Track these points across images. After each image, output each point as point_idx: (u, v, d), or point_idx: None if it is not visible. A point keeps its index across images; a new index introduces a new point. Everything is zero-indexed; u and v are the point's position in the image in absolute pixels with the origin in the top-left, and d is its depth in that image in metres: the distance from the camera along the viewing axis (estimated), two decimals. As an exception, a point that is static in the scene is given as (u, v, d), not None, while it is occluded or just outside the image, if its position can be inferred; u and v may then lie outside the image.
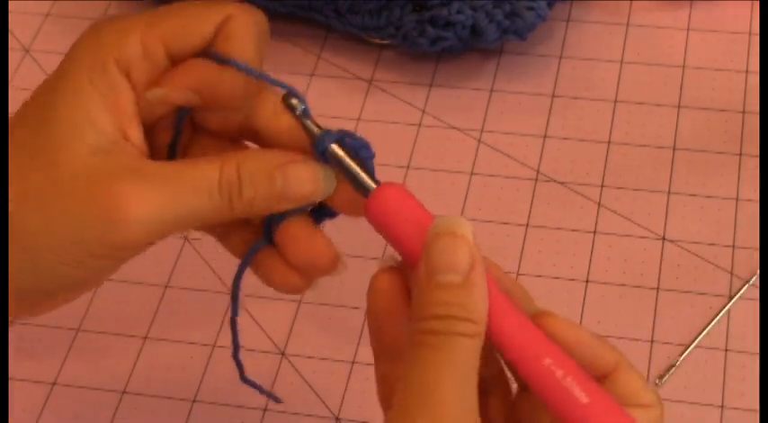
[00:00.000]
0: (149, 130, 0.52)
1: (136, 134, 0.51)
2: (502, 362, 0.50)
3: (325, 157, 0.50)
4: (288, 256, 0.52)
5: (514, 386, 0.51)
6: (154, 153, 0.52)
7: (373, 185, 0.50)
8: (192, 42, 0.51)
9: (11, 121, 0.51)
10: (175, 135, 0.53)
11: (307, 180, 0.50)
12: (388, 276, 0.49)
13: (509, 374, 0.50)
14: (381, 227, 0.49)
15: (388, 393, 0.49)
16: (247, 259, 0.53)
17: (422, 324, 0.46)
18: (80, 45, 0.51)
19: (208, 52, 0.51)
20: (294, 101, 0.51)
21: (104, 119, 0.50)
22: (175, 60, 0.51)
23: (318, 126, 0.51)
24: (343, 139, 0.50)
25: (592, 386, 0.46)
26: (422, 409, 0.44)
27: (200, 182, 0.49)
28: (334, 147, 0.50)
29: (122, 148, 0.50)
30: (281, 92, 0.52)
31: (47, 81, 0.52)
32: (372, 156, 0.51)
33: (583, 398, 0.46)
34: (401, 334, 0.48)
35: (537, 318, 0.48)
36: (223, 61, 0.50)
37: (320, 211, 0.53)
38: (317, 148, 0.50)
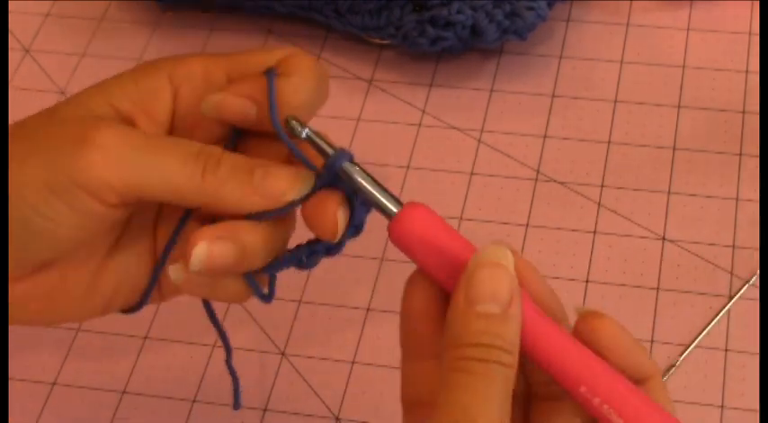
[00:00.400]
0: None
1: (149, 131, 0.51)
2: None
3: (337, 176, 0.49)
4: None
5: None
6: None
7: (395, 208, 0.49)
8: (253, 70, 0.51)
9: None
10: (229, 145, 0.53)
11: (284, 178, 0.49)
12: (423, 280, 0.49)
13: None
14: (409, 250, 0.49)
15: (411, 393, 0.49)
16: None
17: (460, 351, 0.46)
18: (145, 62, 0.52)
19: (267, 70, 0.51)
20: (295, 123, 0.50)
21: (124, 105, 0.50)
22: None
23: (330, 145, 0.50)
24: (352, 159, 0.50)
25: (629, 408, 0.47)
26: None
27: (180, 146, 0.49)
28: (349, 165, 0.49)
29: (121, 123, 0.50)
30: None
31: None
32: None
33: None
34: (433, 334, 0.49)
35: (582, 318, 0.48)
36: (271, 78, 0.50)
37: (315, 247, 0.52)
38: (329, 168, 0.49)
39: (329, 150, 0.49)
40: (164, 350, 0.70)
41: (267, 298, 0.53)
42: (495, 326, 0.46)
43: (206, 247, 0.49)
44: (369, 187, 0.49)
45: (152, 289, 0.54)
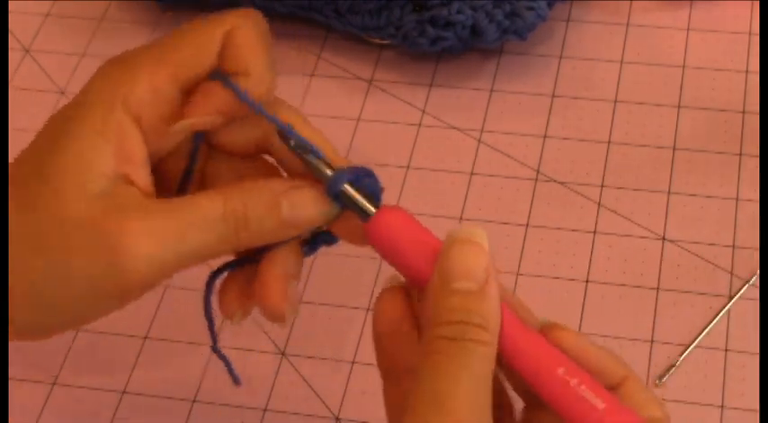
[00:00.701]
0: (162, 160, 0.52)
1: (142, 177, 0.50)
2: (504, 381, 0.50)
3: (335, 194, 0.50)
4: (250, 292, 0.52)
5: (518, 406, 0.51)
6: (167, 180, 0.52)
7: (372, 210, 0.50)
8: (201, 68, 0.51)
9: (15, 160, 0.50)
10: (191, 162, 0.52)
11: (311, 204, 0.50)
12: (392, 297, 0.49)
13: (512, 394, 0.50)
14: (384, 250, 0.49)
15: (396, 416, 0.49)
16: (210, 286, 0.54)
17: (436, 330, 0.46)
18: (89, 90, 0.51)
19: (217, 74, 0.51)
20: (292, 142, 0.50)
21: (108, 164, 0.49)
22: (189, 89, 0.51)
23: (326, 163, 0.51)
24: (357, 177, 0.51)
25: (606, 393, 0.46)
26: (436, 416, 0.44)
27: (205, 213, 0.49)
28: (347, 187, 0.50)
29: (126, 190, 0.49)
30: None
31: (53, 121, 0.51)
32: (379, 187, 0.51)
33: (599, 403, 0.46)
34: (407, 356, 0.48)
35: (545, 329, 0.48)
36: (227, 83, 0.50)
37: (317, 238, 0.52)
38: (329, 187, 0.50)
39: (326, 172, 0.50)
40: (164, 350, 0.70)
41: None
42: (470, 302, 0.46)
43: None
44: (353, 198, 0.50)
45: None
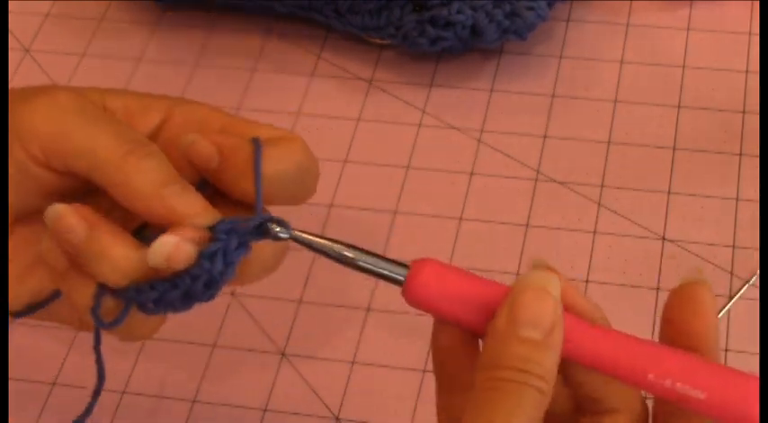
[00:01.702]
0: None
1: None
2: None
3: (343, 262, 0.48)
4: None
5: None
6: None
7: (403, 272, 0.47)
8: (247, 135, 0.51)
9: None
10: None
11: (193, 205, 0.48)
12: (453, 339, 0.49)
13: None
14: (430, 310, 0.48)
15: (445, 421, 0.49)
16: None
17: (495, 372, 0.45)
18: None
19: (253, 138, 0.50)
20: (276, 229, 0.48)
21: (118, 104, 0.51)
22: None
23: (329, 239, 0.49)
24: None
25: (704, 379, 0.47)
26: None
27: (122, 126, 0.50)
28: (347, 251, 0.48)
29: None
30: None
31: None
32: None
33: (699, 394, 0.46)
34: (465, 372, 0.48)
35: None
36: (255, 147, 0.49)
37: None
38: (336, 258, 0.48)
39: (324, 243, 0.48)
40: (164, 350, 0.70)
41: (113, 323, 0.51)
42: (534, 352, 0.45)
43: (174, 242, 0.48)
44: (370, 261, 0.48)
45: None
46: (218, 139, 0.50)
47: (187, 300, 0.48)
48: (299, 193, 0.52)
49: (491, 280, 0.48)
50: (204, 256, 0.47)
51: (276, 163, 0.50)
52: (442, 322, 0.48)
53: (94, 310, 0.50)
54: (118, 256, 0.48)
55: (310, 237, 0.48)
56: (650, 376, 0.47)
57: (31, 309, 0.53)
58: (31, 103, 0.49)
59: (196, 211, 0.48)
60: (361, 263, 0.48)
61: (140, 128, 0.52)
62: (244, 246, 0.48)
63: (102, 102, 0.52)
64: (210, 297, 0.48)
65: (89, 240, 0.48)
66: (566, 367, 0.48)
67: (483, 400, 0.45)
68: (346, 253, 0.48)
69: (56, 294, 0.53)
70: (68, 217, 0.48)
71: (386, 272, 0.47)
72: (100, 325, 0.50)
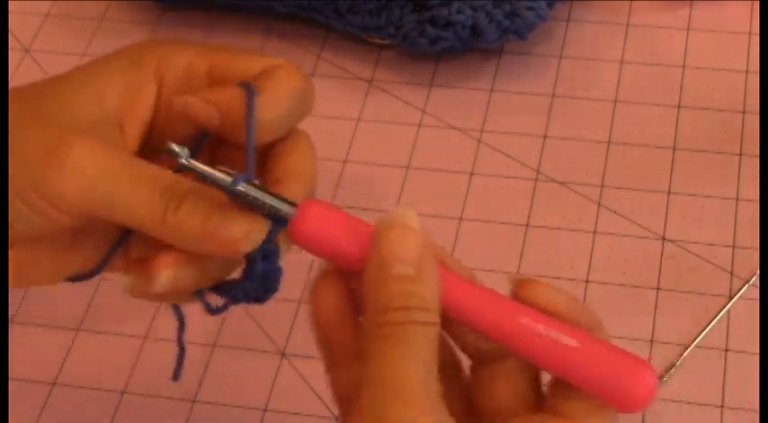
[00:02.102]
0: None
1: (134, 131, 0.51)
2: (453, 346, 0.50)
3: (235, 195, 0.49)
4: None
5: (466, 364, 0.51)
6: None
7: (289, 209, 0.48)
8: (235, 75, 0.51)
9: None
10: (192, 153, 0.52)
11: (239, 226, 0.49)
12: (329, 284, 0.49)
13: (462, 356, 0.50)
14: (314, 248, 0.48)
15: (347, 404, 0.48)
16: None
17: (379, 317, 0.46)
18: (130, 45, 0.52)
19: (245, 82, 0.50)
20: (175, 149, 0.48)
21: (113, 101, 0.50)
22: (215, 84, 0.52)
23: (224, 170, 0.49)
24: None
25: (579, 332, 0.46)
26: (391, 399, 0.44)
27: (152, 175, 0.49)
28: (242, 187, 0.48)
29: (108, 128, 0.50)
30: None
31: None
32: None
33: (572, 342, 0.46)
34: (351, 343, 0.48)
35: (520, 286, 0.48)
36: (249, 93, 0.50)
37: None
38: (226, 190, 0.48)
39: (220, 176, 0.48)
40: (163, 350, 0.70)
41: (218, 311, 0.52)
42: (408, 286, 0.46)
43: (172, 274, 0.50)
44: (261, 201, 0.48)
45: (104, 266, 0.54)
46: (212, 96, 0.51)
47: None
48: (299, 116, 0.52)
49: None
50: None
51: (273, 105, 0.50)
52: (320, 289, 0.49)
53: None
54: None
55: (203, 166, 0.48)
56: (524, 320, 0.46)
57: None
58: (51, 171, 0.48)
59: (245, 232, 0.48)
60: (251, 195, 0.48)
61: (141, 112, 0.51)
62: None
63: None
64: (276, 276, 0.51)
65: None
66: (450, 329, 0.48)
67: (374, 353, 0.45)
68: (238, 187, 0.48)
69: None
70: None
71: (275, 206, 0.48)
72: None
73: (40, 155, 0.48)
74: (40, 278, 0.53)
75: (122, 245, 0.53)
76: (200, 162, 0.48)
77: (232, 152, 0.52)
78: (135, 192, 0.48)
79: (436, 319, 0.46)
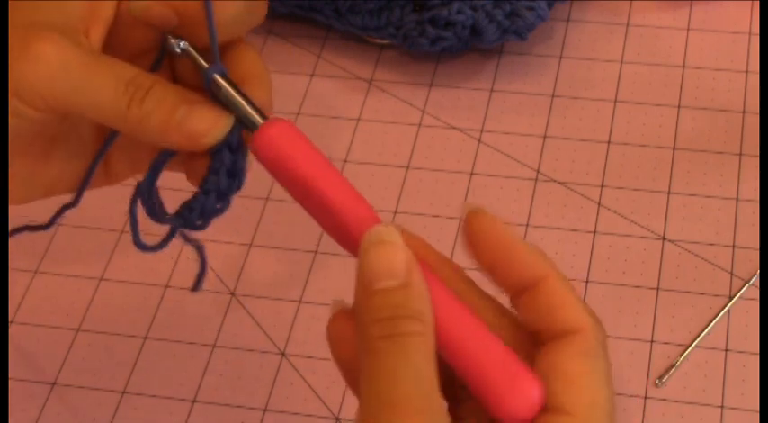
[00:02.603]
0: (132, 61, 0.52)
1: (97, 35, 0.51)
2: None
3: (211, 88, 0.50)
4: None
5: None
6: None
7: (259, 119, 0.49)
8: None
9: None
10: (156, 62, 0.53)
11: (205, 119, 0.49)
12: (343, 322, 0.48)
13: None
14: (273, 163, 0.48)
15: None
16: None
17: (368, 331, 0.45)
18: None
19: None
20: (172, 41, 0.51)
21: (76, 9, 0.51)
22: None
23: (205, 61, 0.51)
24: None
25: (491, 339, 0.46)
26: (389, 414, 0.43)
27: (114, 71, 0.49)
28: (219, 78, 0.50)
29: (76, 34, 0.50)
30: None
31: None
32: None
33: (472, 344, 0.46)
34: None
35: (470, 219, 0.47)
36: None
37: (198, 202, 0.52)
38: (205, 80, 0.50)
39: (203, 64, 0.50)
40: (163, 350, 0.70)
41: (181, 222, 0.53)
42: (395, 297, 0.45)
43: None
44: (237, 98, 0.50)
45: (88, 180, 0.54)
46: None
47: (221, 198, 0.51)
48: (252, 20, 0.52)
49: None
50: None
51: (228, 4, 0.51)
52: (336, 319, 0.48)
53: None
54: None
55: (199, 58, 0.50)
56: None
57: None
58: (18, 64, 0.49)
59: (209, 125, 0.49)
60: (226, 95, 0.49)
61: (104, 15, 0.52)
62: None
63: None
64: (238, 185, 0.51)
65: None
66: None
67: (367, 369, 0.45)
68: (219, 81, 0.50)
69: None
70: None
71: (247, 110, 0.49)
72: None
73: (9, 52, 0.49)
74: (17, 191, 0.53)
75: (102, 155, 0.53)
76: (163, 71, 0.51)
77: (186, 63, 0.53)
78: (100, 82, 0.49)
79: (427, 328, 0.45)
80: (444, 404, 0.45)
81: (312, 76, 0.83)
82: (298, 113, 0.81)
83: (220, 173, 0.51)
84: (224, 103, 0.50)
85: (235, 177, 0.51)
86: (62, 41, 0.49)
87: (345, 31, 0.84)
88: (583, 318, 0.46)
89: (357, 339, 0.46)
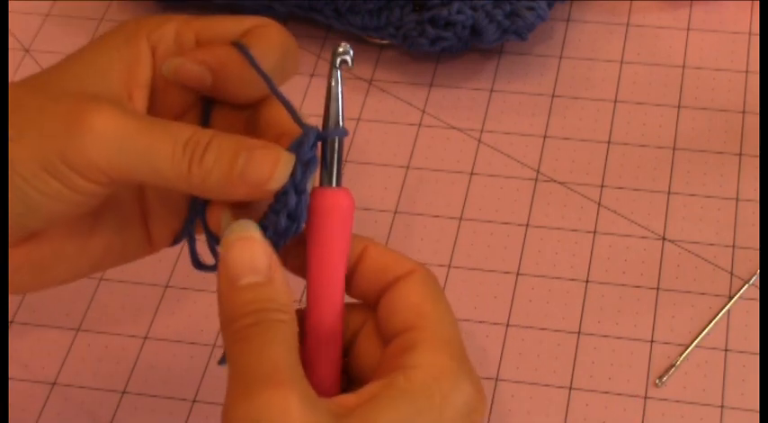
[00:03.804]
0: (177, 117, 0.53)
1: (141, 100, 0.52)
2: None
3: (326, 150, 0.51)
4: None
5: None
6: None
7: (336, 183, 0.51)
8: (222, 37, 0.53)
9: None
10: (202, 123, 0.53)
11: (267, 163, 0.50)
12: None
13: None
14: (322, 229, 0.50)
15: None
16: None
17: (239, 322, 0.47)
18: (118, 26, 0.53)
19: (233, 41, 0.52)
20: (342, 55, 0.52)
21: (116, 80, 0.51)
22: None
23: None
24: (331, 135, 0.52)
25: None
26: (258, 385, 0.46)
27: (171, 131, 0.49)
28: (336, 143, 0.52)
29: (118, 100, 0.51)
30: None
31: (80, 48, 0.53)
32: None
33: None
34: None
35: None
36: (242, 49, 0.51)
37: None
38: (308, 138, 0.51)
39: (338, 127, 0.53)
40: (164, 350, 0.70)
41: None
42: (261, 293, 0.47)
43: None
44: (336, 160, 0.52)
45: (188, 229, 0.55)
46: (202, 56, 0.52)
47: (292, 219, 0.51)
48: (289, 72, 0.54)
49: None
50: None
51: (265, 57, 0.52)
52: None
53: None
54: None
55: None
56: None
57: None
58: (75, 139, 0.49)
59: (271, 166, 0.49)
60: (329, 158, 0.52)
61: (141, 81, 0.52)
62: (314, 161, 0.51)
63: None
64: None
65: None
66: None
67: (234, 353, 0.47)
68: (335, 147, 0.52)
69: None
70: None
71: (330, 170, 0.51)
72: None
73: (61, 126, 0.49)
74: (66, 271, 0.54)
75: (199, 214, 0.53)
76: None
77: (227, 115, 0.54)
78: (158, 148, 0.49)
79: (291, 317, 0.48)
80: (306, 378, 0.47)
81: (312, 76, 0.83)
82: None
83: (281, 214, 0.50)
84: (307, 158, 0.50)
85: (295, 220, 0.50)
86: (114, 111, 0.49)
87: (345, 31, 0.84)
88: (411, 263, 0.51)
89: (223, 330, 0.48)
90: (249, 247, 0.48)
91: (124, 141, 0.49)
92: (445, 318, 0.49)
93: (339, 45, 0.51)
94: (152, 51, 0.52)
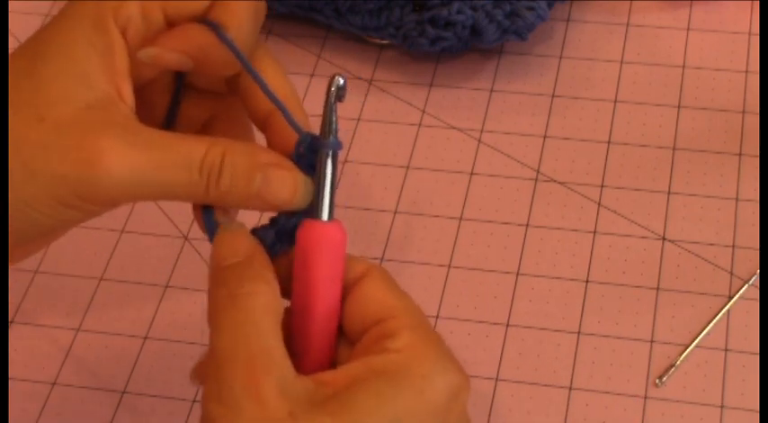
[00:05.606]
0: (139, 92, 0.53)
1: (128, 93, 0.51)
2: None
3: (311, 156, 0.51)
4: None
5: None
6: (144, 115, 0.53)
7: (325, 215, 0.50)
8: (189, 10, 0.52)
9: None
10: (173, 102, 0.53)
11: (286, 188, 0.50)
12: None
13: None
14: (310, 259, 0.50)
15: None
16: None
17: (217, 292, 0.48)
18: (74, 6, 0.52)
19: (205, 20, 0.52)
20: (335, 88, 0.52)
21: (100, 77, 0.50)
22: (172, 25, 0.52)
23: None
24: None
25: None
26: (230, 368, 0.47)
27: (184, 156, 0.50)
28: (329, 157, 0.51)
29: (116, 105, 0.50)
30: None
31: (40, 32, 0.52)
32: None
33: None
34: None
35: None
36: (218, 32, 0.51)
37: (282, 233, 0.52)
38: (313, 146, 0.51)
39: (329, 138, 0.52)
40: (164, 350, 0.70)
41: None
42: (240, 267, 0.49)
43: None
44: (328, 184, 0.51)
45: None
46: (179, 44, 0.51)
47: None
48: (256, 31, 0.54)
49: None
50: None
51: (240, 35, 0.52)
52: None
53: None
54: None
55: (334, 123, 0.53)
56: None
57: None
58: (89, 178, 0.49)
59: (290, 193, 0.51)
60: (321, 173, 0.51)
61: (120, 68, 0.52)
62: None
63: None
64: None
65: None
66: None
67: (215, 325, 0.48)
68: (327, 161, 0.51)
69: None
70: None
71: (322, 199, 0.50)
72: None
73: (72, 169, 0.49)
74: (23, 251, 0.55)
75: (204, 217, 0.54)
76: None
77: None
78: (174, 179, 0.50)
79: (273, 288, 0.49)
80: (287, 356, 0.48)
81: (312, 76, 0.83)
82: (298, 113, 0.81)
83: (270, 229, 0.51)
84: (304, 170, 0.51)
85: (282, 241, 0.51)
86: (122, 146, 0.49)
87: (345, 31, 0.84)
88: (363, 263, 0.51)
89: (208, 309, 0.49)
90: (236, 237, 0.50)
91: (139, 177, 0.49)
92: (411, 307, 0.50)
93: (333, 77, 0.52)
94: (122, 35, 0.51)
